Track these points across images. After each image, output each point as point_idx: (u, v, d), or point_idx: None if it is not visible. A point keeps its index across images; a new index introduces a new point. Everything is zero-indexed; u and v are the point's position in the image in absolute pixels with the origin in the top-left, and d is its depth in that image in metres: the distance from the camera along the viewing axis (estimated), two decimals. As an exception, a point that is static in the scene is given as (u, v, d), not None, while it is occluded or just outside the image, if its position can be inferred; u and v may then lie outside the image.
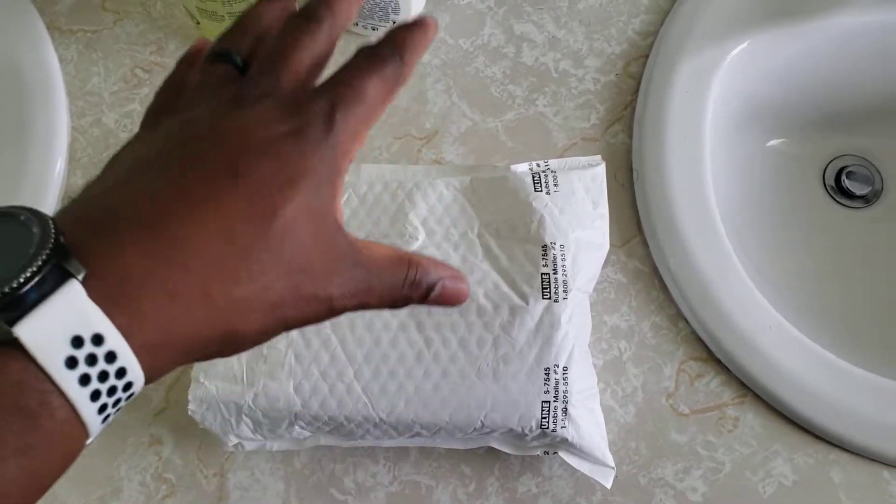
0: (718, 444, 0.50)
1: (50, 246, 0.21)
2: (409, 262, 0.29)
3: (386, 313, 0.45)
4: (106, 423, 0.23)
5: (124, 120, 0.57)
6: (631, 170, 0.56)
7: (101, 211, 0.24)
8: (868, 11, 0.58)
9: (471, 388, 0.44)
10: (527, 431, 0.45)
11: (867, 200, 0.71)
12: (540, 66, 0.58)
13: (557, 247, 0.46)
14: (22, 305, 0.21)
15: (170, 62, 0.58)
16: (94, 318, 0.22)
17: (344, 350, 0.45)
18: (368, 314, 0.45)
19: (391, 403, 0.44)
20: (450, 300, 0.30)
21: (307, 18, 0.30)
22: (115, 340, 0.22)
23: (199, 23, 0.55)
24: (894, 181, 0.70)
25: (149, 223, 0.23)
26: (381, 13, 0.56)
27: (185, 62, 0.32)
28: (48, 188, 0.54)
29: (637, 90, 0.58)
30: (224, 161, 0.25)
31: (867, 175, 0.70)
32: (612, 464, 0.47)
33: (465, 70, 0.58)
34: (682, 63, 0.57)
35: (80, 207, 0.24)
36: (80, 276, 0.22)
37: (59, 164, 0.55)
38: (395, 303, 0.29)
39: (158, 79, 0.57)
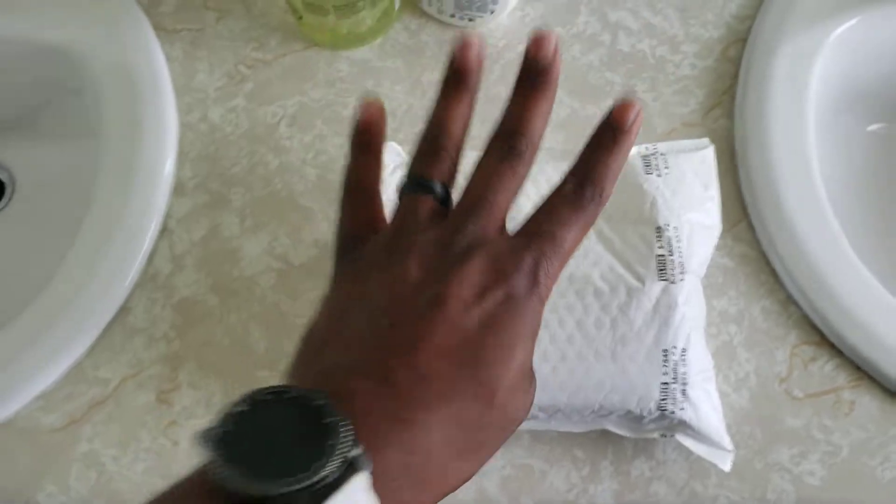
0: (834, 428, 0.49)
1: (349, 442, 0.23)
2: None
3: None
4: None
5: (229, 115, 0.58)
6: (734, 154, 0.55)
7: (359, 400, 0.25)
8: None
9: (589, 370, 0.45)
10: (645, 413, 0.45)
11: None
12: (637, 53, 0.58)
13: (671, 228, 0.46)
14: (325, 491, 0.23)
15: (271, 58, 0.59)
16: None
17: (462, 333, 0.45)
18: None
19: (509, 386, 0.45)
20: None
21: (510, 153, 0.31)
22: None
23: (301, 17, 0.56)
24: None
25: (398, 416, 0.25)
26: (479, 3, 0.56)
27: (361, 153, 0.33)
28: (159, 183, 0.55)
29: (736, 74, 0.57)
30: (448, 341, 0.26)
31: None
32: (731, 447, 0.46)
33: (562, 58, 0.58)
34: (783, 45, 0.56)
35: (327, 382, 0.26)
36: (367, 471, 0.24)
37: (170, 161, 0.56)
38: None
39: (261, 75, 0.59)
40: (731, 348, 0.51)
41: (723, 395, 0.50)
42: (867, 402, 0.49)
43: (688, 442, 0.46)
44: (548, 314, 0.45)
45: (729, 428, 0.49)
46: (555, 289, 0.45)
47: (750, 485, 0.48)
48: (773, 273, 0.52)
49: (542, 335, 0.45)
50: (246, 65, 0.59)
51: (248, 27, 0.60)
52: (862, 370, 0.50)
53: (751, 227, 0.53)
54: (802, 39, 0.56)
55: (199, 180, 0.56)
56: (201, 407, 0.51)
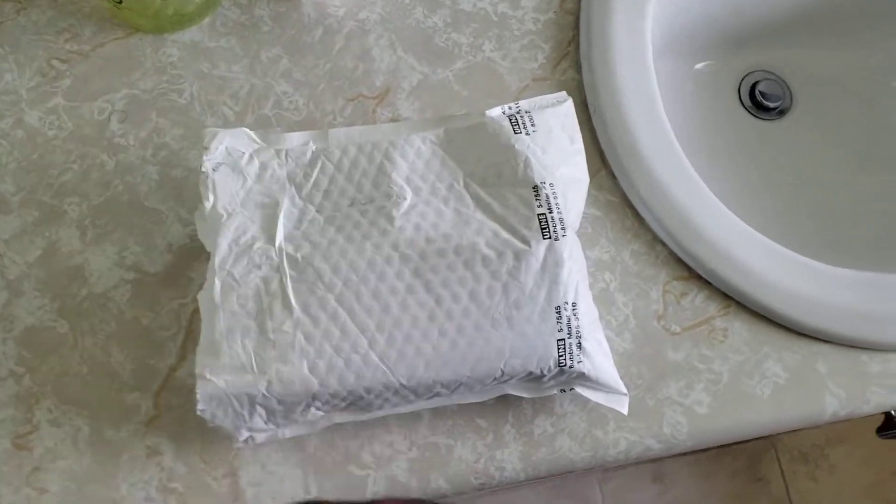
0: (713, 357, 0.52)
1: None
2: None
3: (390, 277, 0.44)
4: None
5: (49, 116, 0.52)
6: (586, 105, 0.56)
7: None
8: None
9: (488, 338, 0.44)
10: (545, 372, 0.45)
11: (781, 112, 0.75)
12: (479, 12, 0.58)
13: (548, 185, 0.46)
14: None
15: (89, 49, 0.53)
16: None
17: (354, 321, 0.43)
18: (373, 281, 0.44)
19: (410, 368, 0.43)
20: None
21: None
22: None
23: (120, 1, 0.50)
24: (803, 93, 0.74)
25: None
26: None
27: None
28: (-24, 201, 0.49)
29: (577, 25, 0.58)
30: None
31: (777, 90, 0.74)
32: (625, 390, 0.48)
33: (405, 23, 0.57)
34: (617, -7, 0.57)
35: None
36: None
37: (-16, 174, 0.49)
38: None
39: (79, 68, 0.53)
40: (608, 294, 0.52)
41: (607, 341, 0.51)
42: (738, 327, 0.52)
43: (587, 392, 0.47)
44: (441, 290, 0.44)
45: (617, 372, 0.50)
46: (443, 263, 0.44)
47: (646, 423, 0.50)
48: (638, 216, 0.54)
49: (438, 312, 0.44)
50: (60, 59, 0.53)
51: (55, 17, 0.53)
52: (729, 297, 0.53)
53: (611, 175, 0.55)
54: (634, -14, 0.57)
55: (24, 194, 0.50)
56: (68, 445, 0.46)
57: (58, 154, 0.51)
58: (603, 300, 0.52)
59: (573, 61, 0.57)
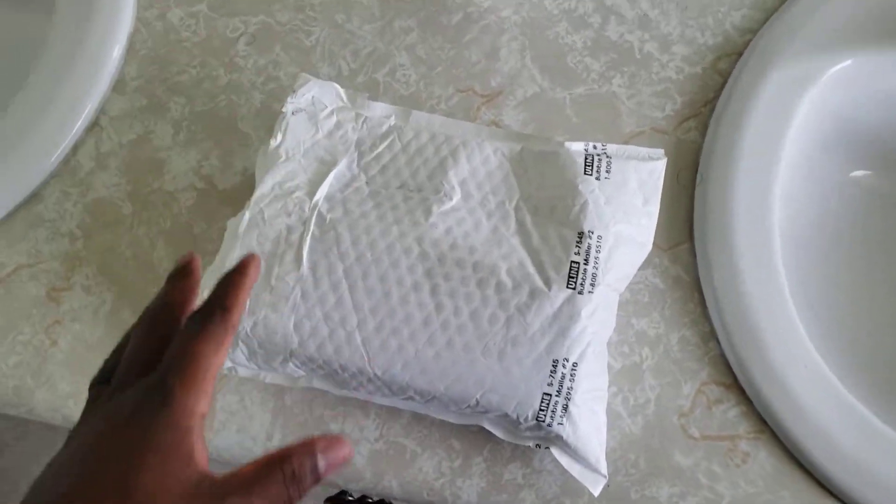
0: (722, 477, 0.47)
1: None
2: (281, 459, 0.30)
3: (402, 267, 0.43)
4: None
5: (189, 20, 0.55)
6: (696, 171, 0.52)
7: None
8: None
9: (473, 363, 0.42)
10: (521, 420, 0.43)
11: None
12: (623, 44, 0.55)
13: (594, 237, 0.43)
14: None
15: (246, -31, 0.56)
16: None
17: (352, 296, 0.43)
18: (385, 265, 0.43)
19: (388, 362, 0.43)
20: (338, 467, 0.31)
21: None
22: None
23: (280, -67, 0.53)
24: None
25: None
26: None
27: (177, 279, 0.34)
28: (100, 73, 0.53)
29: (721, 88, 0.54)
30: (92, 460, 0.28)
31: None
32: (605, 472, 0.44)
33: (544, 33, 0.55)
34: (777, 69, 0.52)
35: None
36: None
37: (116, 51, 0.54)
38: (291, 500, 0.30)
39: (231, -16, 0.56)
40: (638, 371, 0.49)
41: (616, 417, 0.47)
42: (762, 458, 0.47)
43: (562, 458, 0.44)
44: (445, 299, 0.43)
45: (613, 451, 0.47)
46: (458, 274, 0.43)
47: (620, 514, 0.46)
48: (703, 304, 0.50)
49: (434, 319, 0.43)
50: (218, -30, 0.56)
51: (229, -69, 0.57)
52: (765, 423, 0.48)
53: (692, 252, 0.51)
54: (797, 69, 0.52)
55: (142, 81, 0.54)
56: (89, 313, 0.50)
57: (183, 55, 0.54)
58: (630, 374, 0.48)
59: (701, 123, 0.53)
